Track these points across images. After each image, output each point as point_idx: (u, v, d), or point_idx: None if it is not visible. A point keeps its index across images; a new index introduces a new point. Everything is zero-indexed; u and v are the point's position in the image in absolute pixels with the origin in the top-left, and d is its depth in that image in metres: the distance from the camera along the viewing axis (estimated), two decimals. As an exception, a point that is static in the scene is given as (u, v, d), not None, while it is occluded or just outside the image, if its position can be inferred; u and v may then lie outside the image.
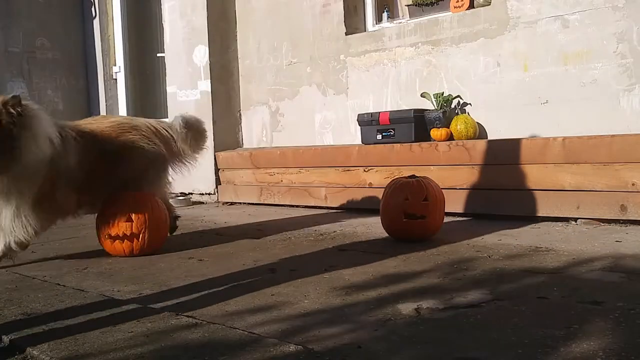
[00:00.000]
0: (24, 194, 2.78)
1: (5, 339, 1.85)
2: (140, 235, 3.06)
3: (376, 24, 5.10)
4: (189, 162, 3.61)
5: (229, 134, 5.78)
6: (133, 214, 3.05)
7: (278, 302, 2.08)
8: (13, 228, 2.82)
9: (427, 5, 4.72)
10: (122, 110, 7.08)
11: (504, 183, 3.72)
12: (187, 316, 1.96)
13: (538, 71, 3.95)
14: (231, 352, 1.61)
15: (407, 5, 4.91)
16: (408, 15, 4.91)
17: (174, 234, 3.59)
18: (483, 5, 4.27)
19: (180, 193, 5.91)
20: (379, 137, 4.44)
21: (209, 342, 1.70)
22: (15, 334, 1.87)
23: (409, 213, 3.08)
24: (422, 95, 4.40)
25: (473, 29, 4.24)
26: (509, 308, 1.89)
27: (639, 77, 3.56)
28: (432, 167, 4.00)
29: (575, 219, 3.46)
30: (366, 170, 4.42)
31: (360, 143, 4.62)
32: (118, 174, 3.18)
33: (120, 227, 3.04)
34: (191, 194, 5.89)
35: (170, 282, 2.50)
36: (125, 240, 3.06)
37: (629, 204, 3.26)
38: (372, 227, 3.67)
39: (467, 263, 2.57)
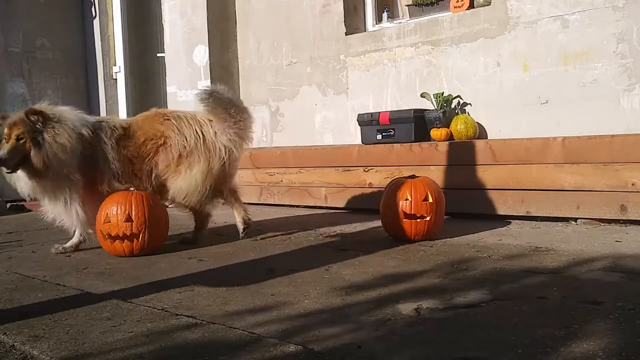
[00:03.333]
0: None
1: (6, 339, 1.85)
2: (140, 235, 3.06)
3: (376, 24, 5.11)
4: None
5: (229, 134, 5.77)
6: (133, 214, 3.05)
7: (278, 302, 2.08)
8: None
9: (427, 5, 4.72)
10: (122, 110, 7.08)
11: (504, 183, 3.72)
12: (187, 316, 1.96)
13: (538, 71, 3.95)
14: (231, 352, 1.61)
15: (407, 5, 4.91)
16: (408, 15, 4.91)
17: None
18: (483, 5, 4.27)
19: (180, 193, 5.90)
20: (379, 137, 4.44)
21: (209, 342, 1.70)
22: (16, 334, 1.87)
23: (409, 213, 3.08)
24: (422, 95, 4.40)
25: (473, 29, 4.25)
26: (509, 308, 1.89)
27: (639, 77, 3.56)
28: (432, 167, 4.00)
29: (575, 219, 3.46)
30: (366, 170, 4.42)
31: (360, 143, 4.62)
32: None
33: (120, 227, 3.04)
34: (191, 194, 5.88)
35: (171, 282, 2.50)
36: (125, 240, 3.06)
37: (629, 204, 3.26)
38: (372, 227, 3.67)
39: (467, 263, 2.57)
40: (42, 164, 3.05)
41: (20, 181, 3.21)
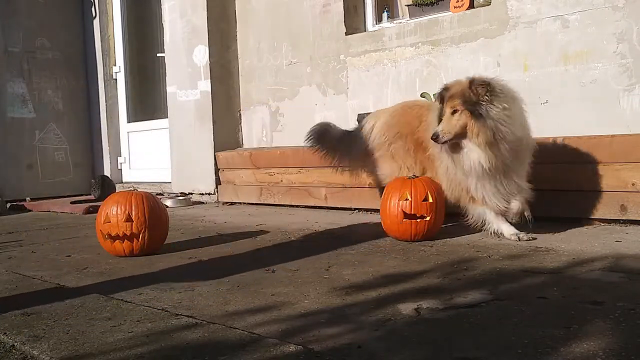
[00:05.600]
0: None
1: (6, 339, 1.85)
2: (140, 235, 3.06)
3: (376, 24, 5.10)
4: None
5: (229, 134, 5.78)
6: (133, 214, 3.05)
7: (278, 302, 2.08)
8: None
9: (427, 5, 4.72)
10: (122, 110, 7.08)
11: (504, 183, 3.71)
12: (187, 316, 1.96)
13: (538, 71, 3.95)
14: (231, 352, 1.61)
15: (407, 5, 4.91)
16: (408, 15, 4.91)
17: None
18: (483, 5, 4.27)
19: (180, 193, 5.91)
20: (379, 137, 4.42)
21: (209, 342, 1.70)
22: (16, 334, 1.87)
23: (409, 213, 3.08)
24: (422, 95, 4.39)
25: (473, 29, 4.24)
26: (509, 308, 1.89)
27: (639, 77, 3.56)
28: (432, 167, 3.99)
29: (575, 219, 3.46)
30: (366, 170, 4.41)
31: (360, 143, 4.61)
32: None
33: (120, 227, 3.04)
34: (191, 194, 5.89)
35: (171, 282, 2.50)
36: (125, 240, 3.06)
37: (629, 204, 3.26)
38: (372, 227, 3.67)
39: (467, 263, 2.57)
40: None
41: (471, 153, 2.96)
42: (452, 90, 2.98)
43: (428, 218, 3.08)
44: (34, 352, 1.72)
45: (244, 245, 3.30)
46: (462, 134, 2.93)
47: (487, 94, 2.90)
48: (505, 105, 2.93)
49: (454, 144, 2.99)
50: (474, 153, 2.93)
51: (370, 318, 1.85)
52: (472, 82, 2.93)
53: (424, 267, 2.53)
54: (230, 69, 5.84)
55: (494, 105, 2.89)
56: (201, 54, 5.73)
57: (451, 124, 2.93)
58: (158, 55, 6.58)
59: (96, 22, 7.09)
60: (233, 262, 2.89)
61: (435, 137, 2.96)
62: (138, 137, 6.99)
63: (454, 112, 2.94)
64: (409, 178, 3.19)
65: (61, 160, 7.06)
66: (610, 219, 3.34)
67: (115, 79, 7.11)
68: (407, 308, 1.93)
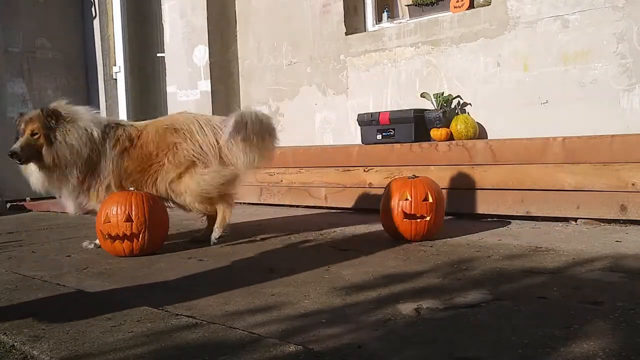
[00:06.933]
0: None
1: (6, 339, 1.85)
2: (140, 235, 3.06)
3: (376, 24, 5.11)
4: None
5: (229, 134, 5.77)
6: (133, 214, 3.05)
7: (278, 302, 2.08)
8: None
9: (427, 5, 4.72)
10: (122, 110, 7.08)
11: (504, 183, 3.72)
12: (187, 316, 1.96)
13: (538, 71, 3.95)
14: (231, 352, 1.61)
15: (407, 5, 4.91)
16: (408, 15, 4.91)
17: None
18: (483, 5, 4.27)
19: (180, 193, 5.90)
20: (379, 137, 4.44)
21: (209, 342, 1.70)
22: (16, 334, 1.87)
23: (409, 213, 3.08)
24: (422, 95, 4.40)
25: (473, 29, 4.25)
26: (509, 308, 1.89)
27: (639, 77, 3.57)
28: (432, 167, 4.00)
29: (575, 219, 3.46)
30: (366, 170, 4.42)
31: (360, 143, 4.62)
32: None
33: (120, 227, 3.04)
34: (191, 194, 5.89)
35: (170, 282, 2.50)
36: (125, 240, 3.06)
37: (629, 204, 3.26)
38: (372, 227, 3.67)
39: (467, 263, 2.57)
40: (52, 161, 3.19)
41: (32, 176, 3.34)
42: (31, 115, 3.25)
43: (428, 218, 3.08)
44: (34, 352, 1.72)
45: (244, 245, 3.30)
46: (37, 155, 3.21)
47: (54, 121, 3.21)
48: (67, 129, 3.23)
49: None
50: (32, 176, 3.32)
51: (370, 318, 1.85)
52: (42, 110, 3.23)
53: (424, 267, 2.53)
54: (230, 69, 5.84)
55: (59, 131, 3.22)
56: (201, 54, 5.73)
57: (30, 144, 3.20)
58: (158, 55, 6.58)
59: (96, 22, 7.09)
60: (233, 262, 2.88)
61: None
62: (138, 137, 6.98)
63: (33, 134, 3.20)
64: (409, 178, 3.19)
65: (61, 160, 7.06)
66: (610, 219, 3.34)
67: (115, 79, 7.11)
68: (407, 308, 1.93)
